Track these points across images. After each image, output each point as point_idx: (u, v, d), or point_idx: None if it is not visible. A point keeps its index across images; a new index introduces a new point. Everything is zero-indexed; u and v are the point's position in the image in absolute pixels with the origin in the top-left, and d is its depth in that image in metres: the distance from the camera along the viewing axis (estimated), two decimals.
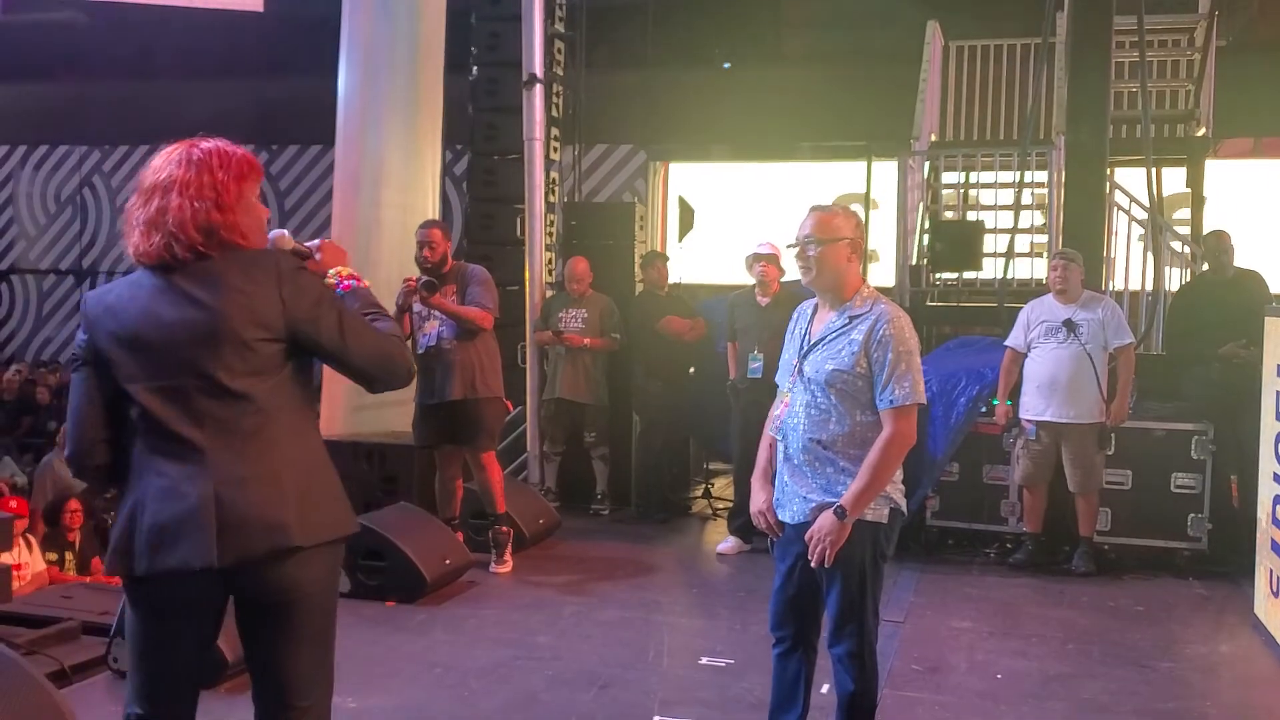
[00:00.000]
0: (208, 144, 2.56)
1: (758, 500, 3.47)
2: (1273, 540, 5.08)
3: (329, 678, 2.62)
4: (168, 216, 2.44)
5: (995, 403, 6.54)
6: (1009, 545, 6.74)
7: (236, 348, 2.43)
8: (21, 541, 6.77)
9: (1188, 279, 8.08)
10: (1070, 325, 6.26)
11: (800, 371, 3.34)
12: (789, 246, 3.45)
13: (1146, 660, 4.97)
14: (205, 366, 2.43)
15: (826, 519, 3.22)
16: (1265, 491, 5.23)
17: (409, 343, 6.22)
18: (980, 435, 6.67)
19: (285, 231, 2.75)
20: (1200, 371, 6.82)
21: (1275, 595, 5.03)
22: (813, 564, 3.26)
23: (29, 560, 6.78)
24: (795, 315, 3.53)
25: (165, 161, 2.52)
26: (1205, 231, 7.77)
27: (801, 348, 3.36)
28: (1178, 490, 6.38)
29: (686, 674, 4.73)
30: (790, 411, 3.34)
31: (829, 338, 3.30)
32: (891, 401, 3.21)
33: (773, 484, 3.47)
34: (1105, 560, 6.47)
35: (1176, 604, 5.88)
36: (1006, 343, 6.54)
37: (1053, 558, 6.51)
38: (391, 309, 6.45)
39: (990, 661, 4.93)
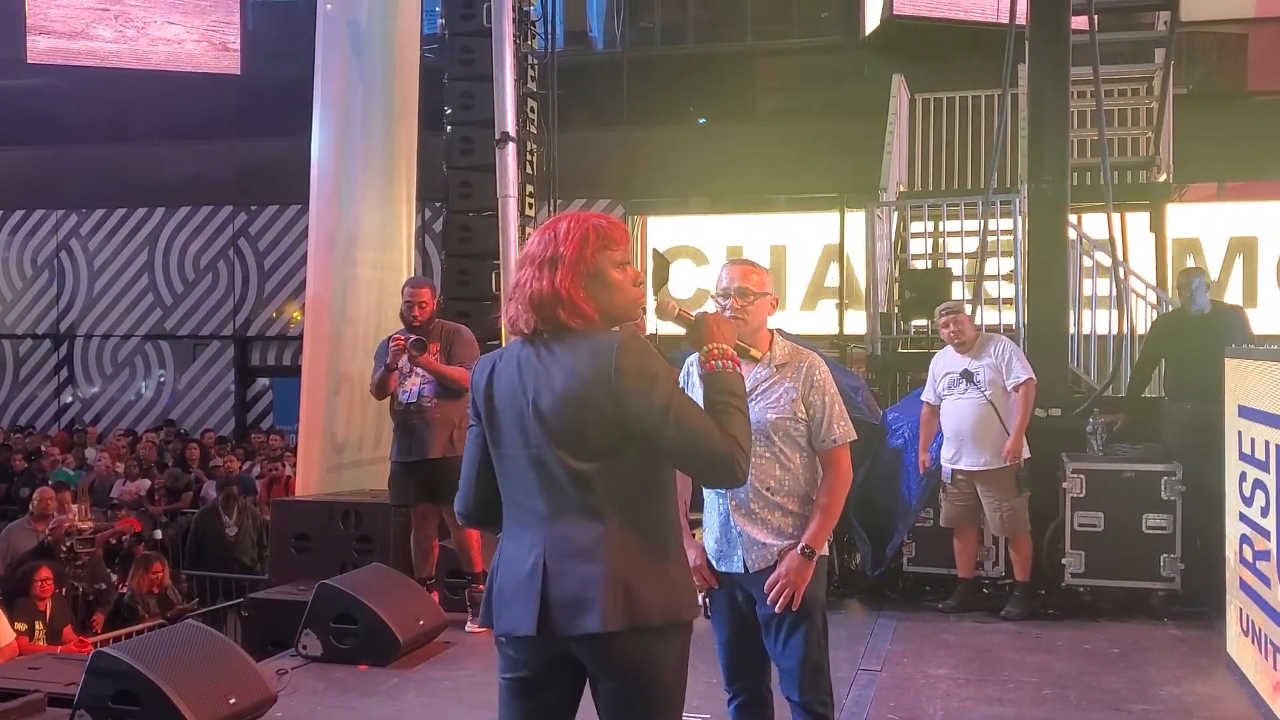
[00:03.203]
0: (567, 219, 2.58)
1: (688, 556, 3.41)
2: (1241, 580, 5.10)
3: None
4: (518, 290, 2.55)
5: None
6: (986, 590, 6.74)
7: (573, 433, 2.48)
8: None
9: (1154, 319, 8.15)
10: (967, 375, 6.36)
11: None
12: (714, 297, 3.49)
13: (1122, 704, 4.96)
14: (548, 443, 2.49)
15: (794, 560, 3.27)
16: (1232, 531, 5.26)
17: (390, 399, 6.25)
18: None
19: (671, 298, 2.77)
20: (1174, 411, 6.86)
21: (1246, 635, 5.04)
22: (777, 609, 3.27)
23: None
24: (693, 369, 3.46)
25: (534, 234, 2.61)
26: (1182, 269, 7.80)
27: None
28: (1149, 531, 6.38)
29: None
30: None
31: (761, 389, 3.38)
32: (835, 441, 3.37)
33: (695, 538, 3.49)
34: (1080, 603, 6.48)
35: (1151, 646, 5.88)
36: (922, 398, 6.65)
37: (1032, 603, 6.50)
38: (370, 364, 6.51)
39: (967, 709, 4.91)
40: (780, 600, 3.26)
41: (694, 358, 3.52)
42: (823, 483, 3.38)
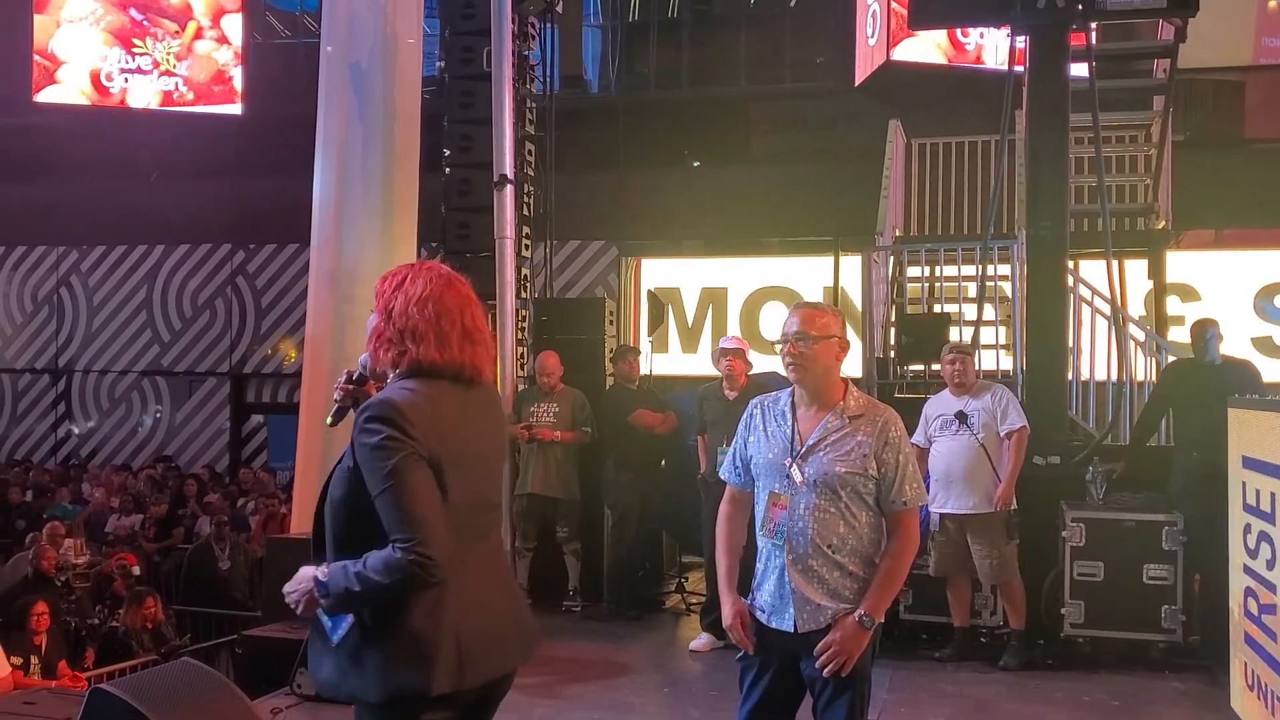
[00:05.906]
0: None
1: (730, 611, 3.31)
2: (1246, 633, 5.04)
3: None
4: (488, 342, 2.82)
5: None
6: (983, 640, 6.68)
7: (500, 472, 2.80)
8: None
9: (1153, 369, 8.13)
10: (962, 416, 6.36)
11: (798, 473, 3.22)
12: (775, 343, 3.35)
13: None
14: (495, 485, 2.76)
15: (850, 628, 3.14)
16: (1236, 584, 5.20)
17: None
18: None
19: None
20: (1182, 459, 6.79)
21: (1251, 689, 4.97)
22: (826, 673, 3.14)
23: None
24: (756, 412, 3.39)
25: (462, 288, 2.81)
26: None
27: (793, 449, 3.26)
28: (1150, 581, 6.32)
29: None
30: (793, 515, 3.21)
31: (831, 439, 3.23)
32: (905, 503, 3.22)
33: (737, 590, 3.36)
34: (1080, 653, 6.41)
35: (1153, 699, 5.82)
36: (911, 440, 6.55)
37: (1030, 653, 6.43)
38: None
39: None
40: (830, 666, 3.13)
41: (765, 399, 3.43)
42: (888, 547, 3.22)
